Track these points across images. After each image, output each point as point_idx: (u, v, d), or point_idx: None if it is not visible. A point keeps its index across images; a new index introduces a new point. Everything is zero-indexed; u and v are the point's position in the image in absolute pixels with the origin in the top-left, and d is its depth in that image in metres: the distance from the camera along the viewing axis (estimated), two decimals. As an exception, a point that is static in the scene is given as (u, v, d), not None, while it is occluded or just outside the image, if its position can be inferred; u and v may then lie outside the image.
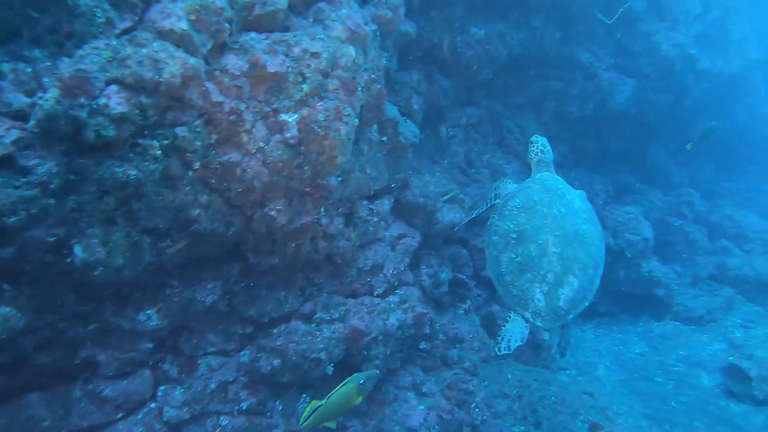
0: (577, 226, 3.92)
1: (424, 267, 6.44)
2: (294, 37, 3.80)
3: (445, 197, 6.57)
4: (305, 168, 3.72)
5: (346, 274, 5.06)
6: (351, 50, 4.06)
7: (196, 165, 3.29)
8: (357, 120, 4.02)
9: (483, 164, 7.99)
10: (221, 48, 3.44)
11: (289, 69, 3.57)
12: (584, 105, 8.71)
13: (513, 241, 3.94)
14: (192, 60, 3.11)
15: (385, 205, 5.44)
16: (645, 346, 8.28)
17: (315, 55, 3.78)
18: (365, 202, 5.15)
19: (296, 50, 3.72)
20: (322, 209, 4.11)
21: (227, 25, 3.36)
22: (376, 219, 5.28)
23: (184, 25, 3.05)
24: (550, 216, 3.93)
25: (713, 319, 8.66)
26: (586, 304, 3.88)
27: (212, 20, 3.23)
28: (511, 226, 4.00)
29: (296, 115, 3.56)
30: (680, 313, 8.76)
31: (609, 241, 8.80)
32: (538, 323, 3.81)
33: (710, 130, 6.63)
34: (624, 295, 9.07)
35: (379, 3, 4.92)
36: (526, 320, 3.85)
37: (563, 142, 9.03)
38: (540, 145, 4.67)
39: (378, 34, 4.69)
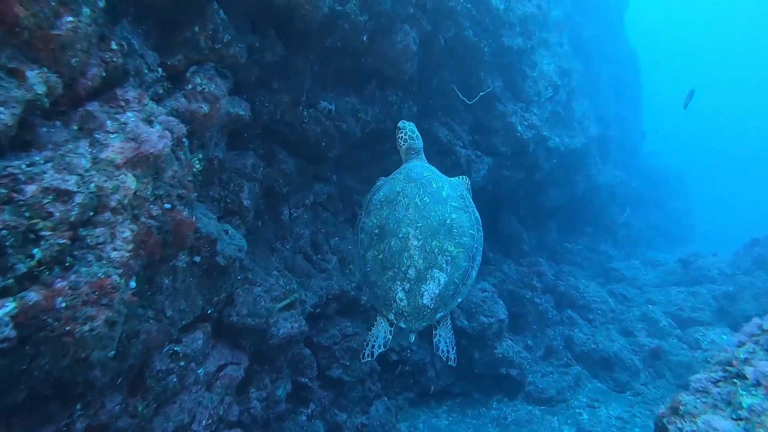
0: (443, 216, 3.55)
1: (253, 390, 5.35)
2: (30, 167, 2.48)
3: (282, 304, 5.50)
4: (35, 374, 2.40)
5: (133, 450, 3.74)
6: (130, 181, 2.82)
7: None
8: (134, 284, 2.79)
9: (331, 249, 7.07)
10: None
11: (6, 231, 2.25)
12: (441, 180, 8.24)
13: (376, 238, 3.63)
14: None
15: (197, 341, 4.22)
16: (499, 436, 8.02)
17: (63, 196, 2.50)
18: (167, 346, 3.89)
19: (29, 191, 2.40)
20: (78, 406, 2.80)
21: None
22: (182, 363, 4.04)
23: None
24: (412, 206, 3.59)
25: (563, 399, 8.81)
26: (459, 300, 3.53)
27: None
28: (375, 221, 3.69)
29: (13, 305, 2.24)
30: (532, 394, 8.80)
31: (464, 324, 8.45)
32: (402, 325, 3.47)
33: (691, 94, 7.77)
34: (479, 376, 8.77)
35: (192, 95, 3.73)
36: (391, 323, 3.52)
37: (420, 217, 8.55)
38: (408, 131, 4.26)
39: (185, 140, 3.48)
